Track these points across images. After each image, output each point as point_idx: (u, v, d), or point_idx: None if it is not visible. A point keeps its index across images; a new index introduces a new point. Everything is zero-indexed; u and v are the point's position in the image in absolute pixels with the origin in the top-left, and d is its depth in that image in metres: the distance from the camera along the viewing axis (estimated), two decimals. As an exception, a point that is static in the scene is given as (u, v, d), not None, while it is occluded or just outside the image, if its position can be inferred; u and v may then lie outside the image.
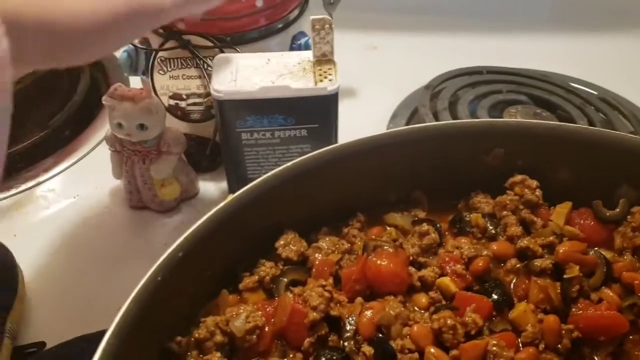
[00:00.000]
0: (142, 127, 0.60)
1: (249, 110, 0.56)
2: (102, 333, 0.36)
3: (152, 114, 0.60)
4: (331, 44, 0.57)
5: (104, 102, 0.60)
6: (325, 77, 0.56)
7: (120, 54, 0.66)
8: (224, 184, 0.67)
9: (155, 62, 0.64)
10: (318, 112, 0.57)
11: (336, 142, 0.59)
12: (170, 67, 0.64)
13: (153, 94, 0.64)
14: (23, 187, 0.70)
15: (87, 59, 0.46)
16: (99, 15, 0.40)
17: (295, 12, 0.70)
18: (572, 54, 0.93)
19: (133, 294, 0.38)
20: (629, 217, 0.50)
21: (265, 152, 0.59)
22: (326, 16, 0.56)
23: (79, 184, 0.70)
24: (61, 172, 0.72)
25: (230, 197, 0.45)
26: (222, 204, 0.44)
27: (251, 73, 0.57)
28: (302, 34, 0.70)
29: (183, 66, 0.64)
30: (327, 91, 0.55)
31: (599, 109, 0.78)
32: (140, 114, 0.59)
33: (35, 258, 0.57)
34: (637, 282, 0.46)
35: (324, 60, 0.58)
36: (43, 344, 0.54)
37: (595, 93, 0.82)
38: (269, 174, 0.47)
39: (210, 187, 0.69)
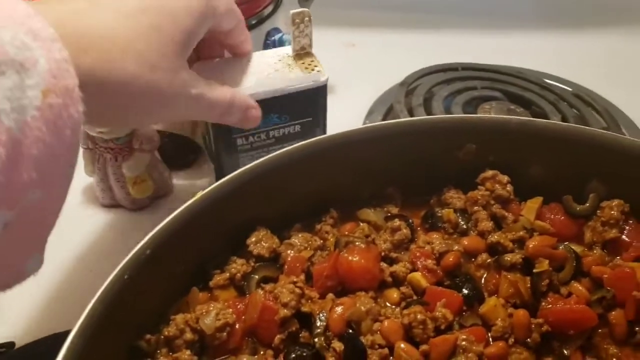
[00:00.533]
0: (113, 124, 0.59)
1: None
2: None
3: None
4: (310, 36, 0.56)
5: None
6: (313, 69, 0.55)
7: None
8: (198, 182, 0.66)
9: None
10: (311, 104, 0.56)
11: (325, 133, 0.58)
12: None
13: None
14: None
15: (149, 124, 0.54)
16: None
17: (270, 8, 0.70)
18: (547, 51, 0.94)
19: (98, 293, 0.37)
20: (598, 211, 0.51)
21: (260, 155, 0.57)
22: (305, 9, 0.55)
23: (51, 182, 0.69)
24: (33, 170, 0.71)
25: (200, 194, 0.44)
26: (190, 201, 0.43)
27: (237, 76, 0.55)
28: (276, 30, 0.70)
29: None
30: (320, 82, 0.55)
31: (572, 105, 0.79)
32: (111, 110, 0.58)
33: (5, 257, 0.56)
34: (605, 276, 0.46)
35: (303, 53, 0.57)
36: (12, 344, 0.53)
37: (570, 89, 0.83)
38: (239, 170, 0.46)
39: (184, 185, 0.69)
